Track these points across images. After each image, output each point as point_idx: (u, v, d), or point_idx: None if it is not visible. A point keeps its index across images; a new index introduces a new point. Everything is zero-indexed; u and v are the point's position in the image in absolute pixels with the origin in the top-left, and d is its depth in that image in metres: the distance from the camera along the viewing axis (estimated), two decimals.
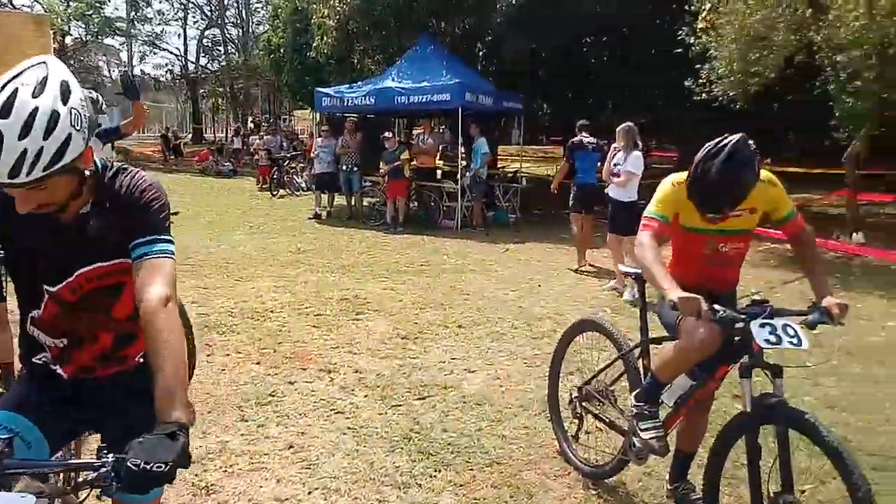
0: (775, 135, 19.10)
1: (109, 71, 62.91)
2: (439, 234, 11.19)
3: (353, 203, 13.27)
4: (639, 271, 3.13)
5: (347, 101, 12.93)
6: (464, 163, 12.31)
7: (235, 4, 43.50)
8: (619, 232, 7.26)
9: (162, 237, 1.77)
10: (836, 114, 9.91)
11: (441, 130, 14.75)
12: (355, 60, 17.48)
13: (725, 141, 2.55)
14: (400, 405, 4.16)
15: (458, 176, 12.27)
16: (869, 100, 9.54)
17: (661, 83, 16.01)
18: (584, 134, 8.60)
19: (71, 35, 35.73)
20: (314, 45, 15.84)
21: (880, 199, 13.34)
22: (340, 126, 13.28)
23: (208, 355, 5.01)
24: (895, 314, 6.48)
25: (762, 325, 2.38)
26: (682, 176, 2.79)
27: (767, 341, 2.35)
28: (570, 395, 3.45)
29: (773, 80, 10.38)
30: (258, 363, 4.88)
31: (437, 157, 13.64)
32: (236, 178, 23.48)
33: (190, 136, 43.42)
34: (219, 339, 5.40)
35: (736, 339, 2.50)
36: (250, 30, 42.69)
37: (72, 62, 37.97)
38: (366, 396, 4.30)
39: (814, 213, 12.34)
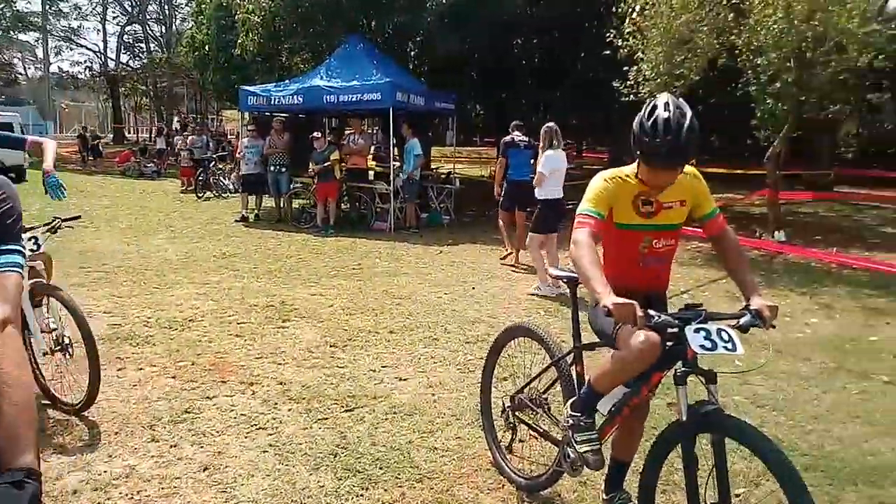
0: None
1: (25, 68, 59.91)
2: (372, 237, 10.96)
3: (282, 205, 12.88)
4: (570, 274, 3.03)
5: (274, 99, 12.53)
6: (396, 164, 12.12)
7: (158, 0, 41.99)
8: (538, 230, 7.42)
9: (7, 247, 1.51)
10: (758, 115, 10.20)
11: (375, 131, 14.53)
12: (283, 59, 17.01)
13: (657, 99, 2.53)
14: (326, 418, 3.94)
15: (391, 177, 12.07)
16: (788, 101, 9.86)
17: (590, 84, 16.24)
18: (517, 133, 8.81)
19: None
20: (238, 42, 15.28)
21: (799, 197, 13.89)
22: (268, 126, 12.86)
23: (119, 370, 4.66)
24: (817, 311, 6.65)
25: (696, 331, 2.30)
26: (614, 172, 2.70)
27: (703, 347, 2.27)
28: (503, 404, 3.32)
29: (697, 83, 10.61)
30: (174, 377, 4.56)
31: (370, 158, 13.41)
32: (160, 180, 22.60)
33: (111, 136, 41.65)
34: (132, 352, 5.04)
35: (669, 344, 2.41)
36: (173, 26, 41.22)
37: None
38: (289, 410, 4.05)
39: (737, 213, 12.72)
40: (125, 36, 42.86)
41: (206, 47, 22.06)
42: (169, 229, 11.44)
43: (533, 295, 7.09)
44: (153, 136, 31.72)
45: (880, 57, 9.52)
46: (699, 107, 14.47)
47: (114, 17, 42.97)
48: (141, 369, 4.70)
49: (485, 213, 13.32)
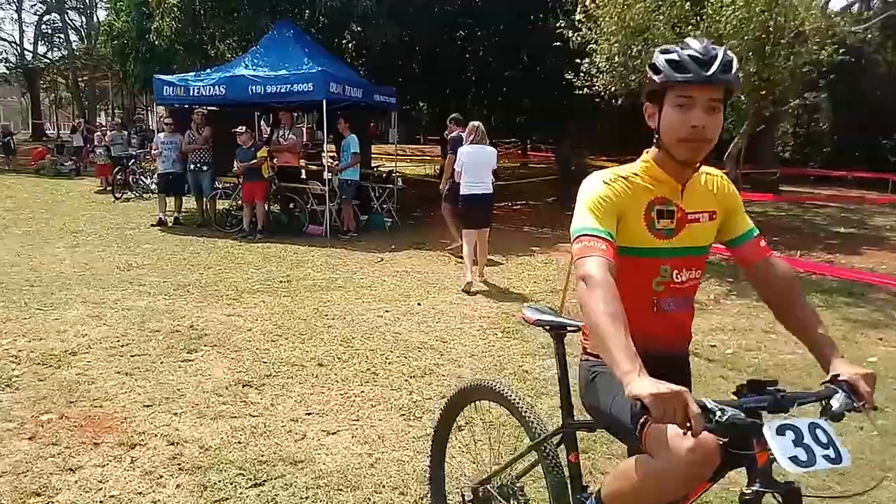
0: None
1: None
2: (305, 243, 9.90)
3: (204, 208, 11.66)
4: (554, 319, 2.16)
5: (193, 90, 11.27)
6: (333, 161, 11.10)
7: None
8: (466, 226, 7.55)
9: None
10: None
11: (312, 126, 13.45)
12: (207, 46, 15.69)
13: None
14: (226, 499, 2.97)
15: (326, 176, 11.04)
16: (749, 95, 9.33)
17: (537, 79, 15.56)
18: (458, 128, 8.86)
19: None
20: (154, 27, 13.94)
21: (752, 198, 13.50)
22: (187, 119, 11.61)
23: None
24: None
25: (780, 431, 1.44)
26: (613, 171, 1.85)
27: (796, 461, 1.40)
28: (463, 497, 2.42)
29: None
30: (31, 437, 3.50)
31: (300, 156, 12.31)
32: (77, 179, 20.88)
33: (27, 132, 38.96)
34: None
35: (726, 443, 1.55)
36: (94, 16, 38.81)
37: None
38: (178, 487, 3.06)
39: None
40: (43, 26, 40.07)
41: (125, 37, 20.46)
42: (72, 235, 10.12)
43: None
44: (71, 132, 29.61)
45: (841, 51, 9.17)
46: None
47: (31, 6, 40.23)
48: None
49: (429, 214, 12.43)
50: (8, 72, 42.60)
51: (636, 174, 1.84)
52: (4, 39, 41.68)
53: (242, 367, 4.60)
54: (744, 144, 9.94)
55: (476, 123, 7.65)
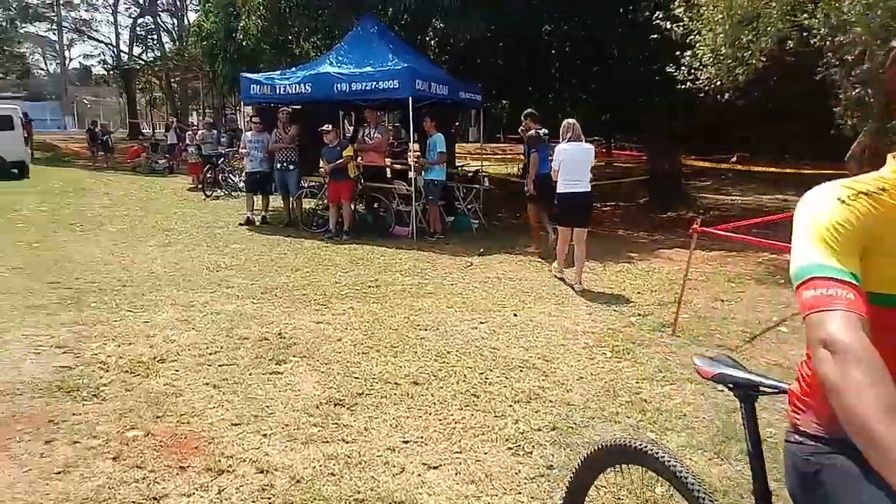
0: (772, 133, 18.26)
1: (45, 62, 59.52)
2: (391, 244, 9.65)
3: (291, 207, 11.61)
4: (740, 375, 1.69)
5: (279, 88, 11.20)
6: (417, 160, 10.82)
7: None
8: (560, 224, 7.47)
9: None
10: (843, 104, 8.75)
11: (395, 125, 13.23)
12: (293, 45, 15.73)
13: None
14: None
15: (412, 176, 10.77)
16: (877, 89, 8.41)
17: (628, 74, 14.81)
18: (535, 125, 9.14)
19: None
20: (240, 26, 14.05)
21: None
22: (273, 118, 11.58)
23: (46, 443, 3.40)
24: None
25: None
26: (852, 186, 1.35)
27: None
28: None
29: (764, 68, 9.20)
30: (115, 457, 3.29)
31: (386, 155, 12.09)
32: (171, 177, 21.58)
33: (124, 131, 40.81)
34: (72, 413, 3.77)
35: None
36: (185, 17, 40.21)
37: None
38: None
39: None
40: (137, 28, 41.84)
41: (214, 37, 20.93)
42: (164, 234, 10.24)
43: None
44: (165, 131, 30.75)
45: None
46: (769, 102, 13.23)
47: (126, 9, 42.10)
48: (76, 443, 3.42)
49: (517, 215, 11.99)
50: (106, 73, 44.84)
51: (884, 189, 1.34)
52: (102, 42, 43.79)
53: (333, 383, 4.30)
54: (869, 144, 8.99)
55: (571, 121, 7.42)
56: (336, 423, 3.71)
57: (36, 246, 8.90)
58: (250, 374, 4.45)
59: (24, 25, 35.02)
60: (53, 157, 28.04)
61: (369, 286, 7.06)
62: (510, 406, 3.97)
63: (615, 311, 6.18)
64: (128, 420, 3.70)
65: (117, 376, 4.37)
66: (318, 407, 3.92)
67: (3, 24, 33.70)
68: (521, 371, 4.55)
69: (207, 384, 4.26)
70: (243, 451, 3.37)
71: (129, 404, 3.92)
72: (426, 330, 5.49)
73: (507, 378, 4.42)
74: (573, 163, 7.19)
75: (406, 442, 3.50)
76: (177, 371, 4.49)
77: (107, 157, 26.60)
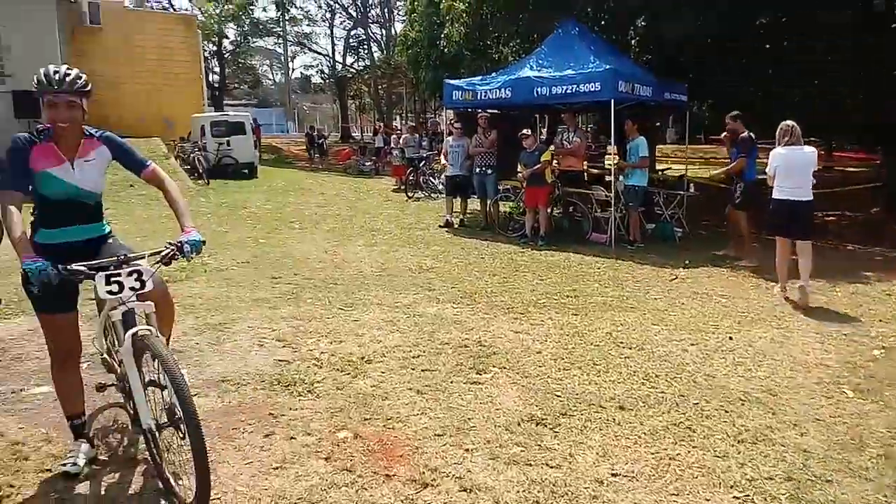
0: None
1: (273, 73, 66.38)
2: (588, 251, 9.34)
3: (488, 211, 11.71)
4: None
5: (480, 94, 11.31)
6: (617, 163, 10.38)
7: (378, 3, 43.58)
8: (770, 231, 7.09)
9: None
10: None
11: (592, 127, 12.86)
12: (493, 50, 15.89)
13: None
14: None
15: (612, 181, 10.34)
16: None
17: (857, 74, 13.04)
18: (740, 127, 8.87)
19: (227, 38, 37.26)
20: (444, 33, 14.44)
21: None
22: (473, 123, 11.74)
23: (265, 436, 3.62)
24: None
25: None
26: None
27: None
28: None
29: None
30: (327, 458, 3.41)
31: (584, 159, 11.74)
32: (376, 178, 22.89)
33: (336, 135, 44.18)
34: (289, 408, 3.99)
35: None
36: (392, 28, 42.56)
37: (229, 62, 39.78)
38: None
39: None
40: (350, 39, 45.05)
41: (418, 45, 21.90)
42: (370, 234, 10.79)
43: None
44: (373, 135, 32.78)
45: None
46: None
47: (341, 23, 45.56)
48: (292, 438, 3.61)
49: (725, 223, 11.06)
50: (322, 81, 48.86)
51: None
52: (320, 53, 47.74)
53: (534, 399, 4.16)
54: None
55: (790, 123, 6.86)
56: (539, 445, 3.56)
57: (262, 242, 9.80)
58: (451, 382, 4.44)
59: (255, 40, 39.21)
60: (277, 158, 30.98)
61: (567, 296, 6.83)
62: (733, 446, 3.55)
63: (853, 340, 5.38)
64: (338, 420, 3.84)
65: (329, 374, 4.58)
66: (519, 424, 3.80)
67: (238, 39, 37.96)
68: (742, 405, 4.09)
69: (411, 389, 4.32)
70: (446, 465, 3.34)
71: (340, 403, 4.08)
72: (630, 349, 5.16)
73: (726, 412, 3.98)
74: (791, 168, 6.68)
75: (615, 475, 3.26)
76: (383, 373, 4.61)
77: (322, 159, 28.93)
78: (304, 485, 3.14)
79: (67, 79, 2.95)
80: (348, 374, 4.59)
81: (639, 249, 9.56)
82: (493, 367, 4.74)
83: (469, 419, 3.88)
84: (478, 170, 11.45)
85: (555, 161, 10.88)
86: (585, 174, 11.81)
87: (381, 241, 10.15)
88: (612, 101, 9.77)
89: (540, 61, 11.57)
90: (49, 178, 3.03)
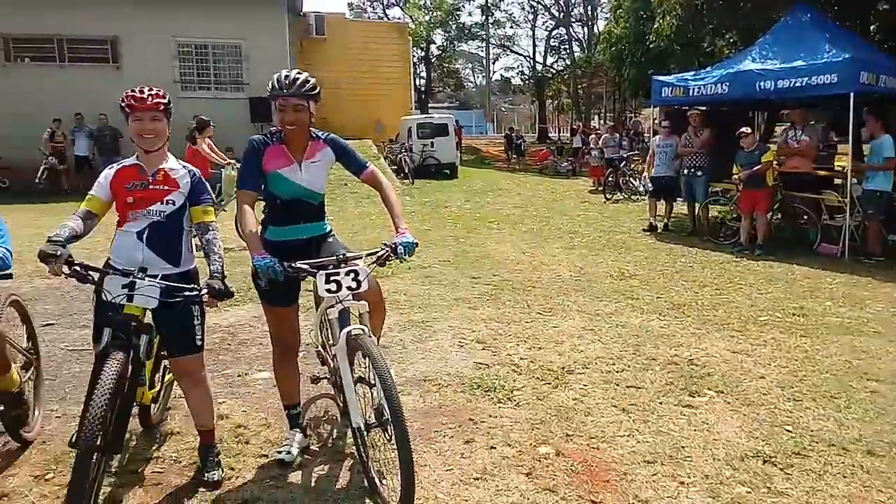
0: None
1: (474, 75, 68.34)
2: (816, 264, 8.31)
3: (696, 214, 10.91)
4: None
5: (693, 90, 10.54)
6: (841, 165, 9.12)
7: (581, 2, 42.86)
8: None
9: None
10: None
11: (825, 125, 11.48)
12: (705, 44, 14.83)
13: None
14: None
15: (846, 185, 9.12)
16: None
17: None
18: None
19: (434, 43, 38.81)
20: (654, 27, 13.71)
21: None
22: (682, 121, 10.99)
23: (466, 443, 3.56)
24: None
25: None
26: None
27: None
28: None
29: None
30: (528, 474, 3.26)
31: (813, 160, 10.48)
32: (573, 179, 22.54)
33: (533, 135, 44.27)
34: (489, 415, 3.91)
35: None
36: (595, 27, 41.62)
37: (435, 66, 41.45)
38: None
39: None
40: (552, 40, 44.84)
41: (623, 42, 21.17)
42: (568, 236, 10.53)
43: None
44: (570, 135, 32.35)
45: None
46: None
47: (543, 23, 45.45)
48: (493, 448, 3.51)
49: None
50: (522, 82, 49.20)
51: None
52: (520, 54, 48.07)
53: (759, 432, 3.69)
54: None
55: None
56: (768, 488, 3.12)
57: (461, 241, 9.95)
58: (660, 403, 4.10)
59: (459, 45, 40.44)
60: (476, 159, 31.70)
61: (793, 314, 6.09)
62: None
63: None
64: (539, 433, 3.68)
65: (529, 382, 4.44)
66: (742, 460, 3.38)
67: (444, 44, 39.40)
68: None
69: (615, 406, 4.04)
70: (658, 498, 3.04)
71: (541, 415, 3.92)
72: (878, 381, 4.43)
73: None
74: None
75: None
76: (584, 386, 4.38)
77: (519, 160, 29.08)
78: (505, 500, 3.02)
79: (296, 83, 3.08)
80: (548, 383, 4.42)
81: (879, 264, 8.34)
82: (708, 389, 4.30)
83: (682, 447, 3.52)
84: (686, 171, 10.72)
85: (776, 163, 9.84)
86: (814, 177, 10.55)
87: (580, 244, 9.85)
88: (852, 94, 8.61)
89: (763, 52, 10.54)
90: (279, 178, 3.20)
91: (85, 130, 16.50)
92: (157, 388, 3.54)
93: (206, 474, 3.10)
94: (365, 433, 2.96)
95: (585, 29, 43.77)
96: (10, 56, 17.16)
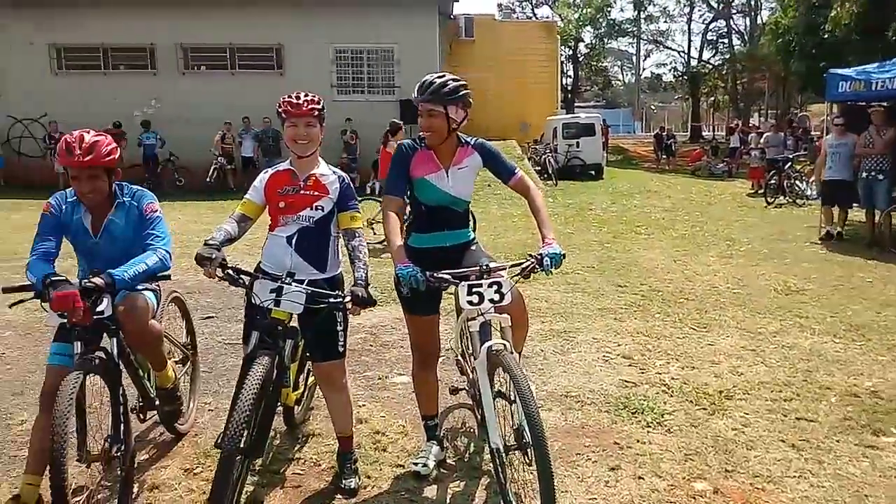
0: None
1: (622, 73, 66.36)
2: None
3: (876, 223, 9.75)
4: None
5: (875, 84, 9.42)
6: None
7: None
8: None
9: None
10: None
11: None
12: (889, 31, 13.30)
13: None
14: None
15: None
16: None
17: None
18: None
19: (583, 41, 37.99)
20: (830, 16, 12.46)
21: None
22: (859, 118, 9.86)
23: (611, 469, 3.31)
24: None
25: None
26: None
27: None
28: None
29: None
30: None
31: None
32: (729, 181, 21.20)
33: (685, 134, 42.13)
34: (637, 440, 3.62)
35: None
36: (758, 17, 38.77)
37: (582, 65, 40.62)
38: None
39: None
40: (709, 33, 42.37)
41: (791, 32, 19.53)
42: (725, 243, 9.80)
43: None
44: (726, 134, 30.42)
45: None
46: None
47: (699, 16, 43.10)
48: (640, 478, 3.23)
49: None
50: (674, 79, 46.97)
51: None
52: (674, 50, 45.88)
53: None
54: None
55: None
56: None
57: (607, 246, 9.56)
58: (837, 441, 3.61)
59: (609, 42, 39.33)
60: (623, 159, 30.69)
61: None
62: None
63: None
64: (694, 465, 3.36)
65: (681, 405, 4.09)
66: None
67: (593, 42, 38.45)
68: None
69: (783, 441, 3.61)
70: None
71: (695, 444, 3.58)
72: None
73: None
74: None
75: None
76: (745, 414, 3.96)
77: (669, 160, 27.76)
78: None
79: (432, 87, 2.99)
80: (704, 408, 4.05)
81: None
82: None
83: (866, 496, 3.06)
84: (865, 174, 9.61)
85: None
86: None
87: (738, 252, 9.13)
88: None
89: None
90: (425, 184, 3.13)
91: (251, 133, 17.73)
92: (301, 390, 3.61)
93: (343, 481, 3.10)
94: (504, 454, 2.81)
95: (747, 20, 40.99)
96: (189, 65, 18.77)
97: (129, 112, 17.63)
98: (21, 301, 2.67)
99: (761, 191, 15.94)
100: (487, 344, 2.84)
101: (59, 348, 2.80)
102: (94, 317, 2.62)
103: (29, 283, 2.67)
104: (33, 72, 17.89)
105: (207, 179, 17.08)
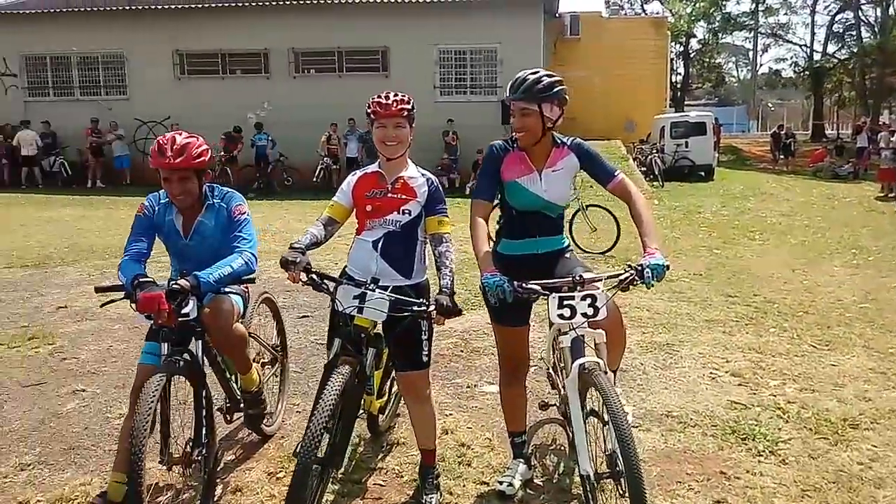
0: None
1: (737, 69, 63.11)
2: None
3: None
4: None
5: None
6: None
7: None
8: None
9: None
10: None
11: None
12: None
13: None
14: None
15: None
16: None
17: None
18: None
19: (695, 37, 36.39)
20: None
21: None
22: None
23: (716, 502, 3.01)
24: None
25: None
26: None
27: None
28: None
29: None
30: None
31: None
32: (855, 183, 19.63)
33: (805, 133, 39.50)
34: (745, 470, 3.29)
35: None
36: (890, 7, 35.62)
37: (694, 61, 38.95)
38: None
39: None
40: (835, 25, 39.41)
41: None
42: (850, 252, 9.01)
43: None
44: (852, 132, 28.18)
45: None
46: None
47: (825, 7, 40.22)
48: None
49: None
50: (795, 75, 44.02)
51: None
52: (795, 44, 43.01)
53: None
54: None
55: None
56: None
57: (716, 252, 9.01)
58: None
59: (724, 36, 37.43)
60: (736, 159, 29.13)
61: None
62: None
63: None
64: (813, 503, 3.01)
65: (799, 433, 3.70)
66: None
67: (706, 37, 36.73)
68: None
69: None
70: None
71: (814, 479, 3.21)
72: None
73: None
74: None
75: None
76: (874, 447, 3.53)
77: (787, 161, 26.09)
78: None
79: (524, 84, 2.82)
80: (825, 438, 3.64)
81: None
82: None
83: None
84: None
85: None
86: None
87: (866, 262, 8.35)
88: None
89: None
90: (516, 187, 2.96)
91: (356, 134, 18.09)
92: (386, 398, 3.53)
93: (424, 496, 2.98)
94: (595, 482, 2.60)
95: (878, 10, 37.75)
96: (299, 68, 19.41)
97: (243, 114, 18.43)
98: (112, 301, 2.73)
99: (892, 194, 14.64)
100: (579, 361, 2.64)
101: (149, 347, 2.85)
102: (180, 319, 2.63)
103: (119, 283, 2.72)
104: (158, 77, 19.07)
105: (314, 179, 17.57)
